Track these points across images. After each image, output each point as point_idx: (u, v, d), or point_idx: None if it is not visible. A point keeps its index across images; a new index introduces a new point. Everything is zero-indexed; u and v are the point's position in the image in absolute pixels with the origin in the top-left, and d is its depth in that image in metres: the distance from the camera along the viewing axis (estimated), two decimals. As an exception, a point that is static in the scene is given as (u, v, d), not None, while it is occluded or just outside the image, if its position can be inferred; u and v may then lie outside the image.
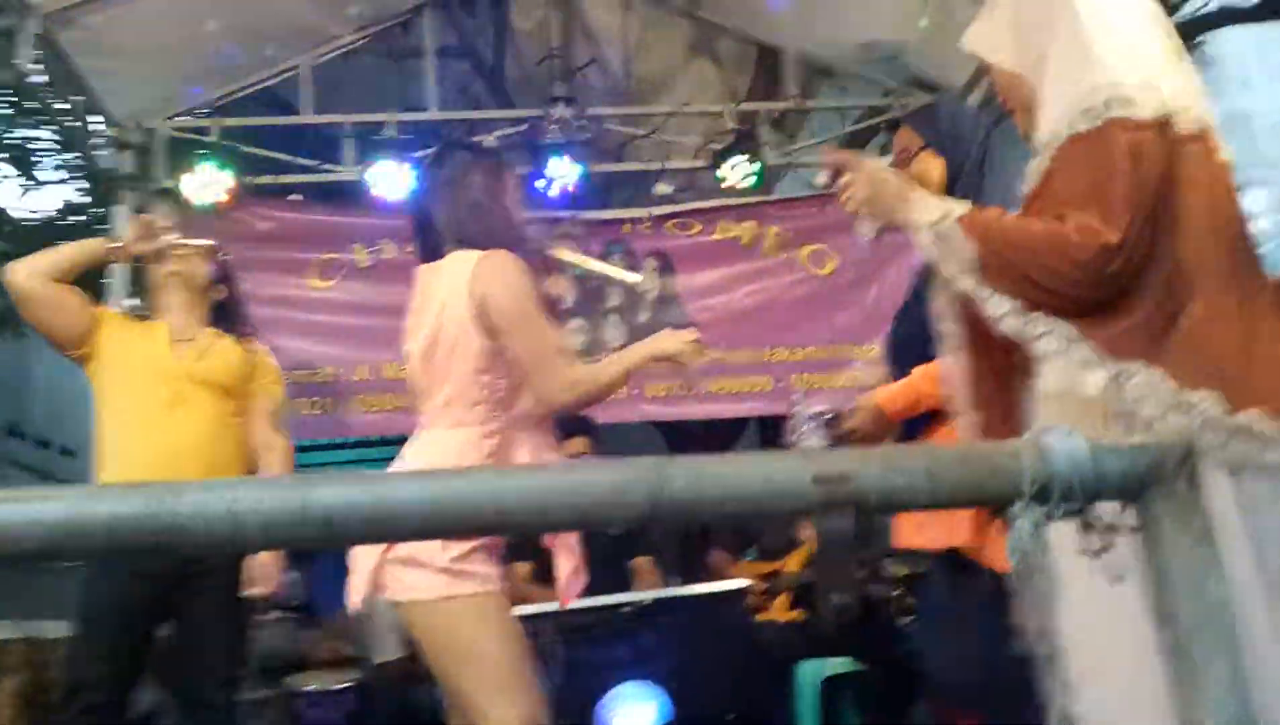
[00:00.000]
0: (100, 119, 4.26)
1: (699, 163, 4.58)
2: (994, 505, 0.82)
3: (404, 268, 2.00)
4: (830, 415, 2.11)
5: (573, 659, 2.86)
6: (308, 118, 4.56)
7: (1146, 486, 0.82)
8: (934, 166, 2.02)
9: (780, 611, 4.01)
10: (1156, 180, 1.29)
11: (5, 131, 7.08)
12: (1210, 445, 1.21)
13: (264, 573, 2.51)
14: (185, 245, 2.66)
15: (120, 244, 2.63)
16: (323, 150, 4.56)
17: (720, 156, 4.40)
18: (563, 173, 4.30)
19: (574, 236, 4.36)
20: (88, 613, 2.41)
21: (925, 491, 0.80)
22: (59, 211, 7.46)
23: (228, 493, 0.61)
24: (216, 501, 0.60)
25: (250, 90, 4.56)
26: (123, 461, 2.50)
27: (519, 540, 2.93)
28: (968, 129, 2.07)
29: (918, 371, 1.95)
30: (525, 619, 2.21)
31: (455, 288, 1.83)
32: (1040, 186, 1.39)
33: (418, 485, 0.67)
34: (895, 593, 3.38)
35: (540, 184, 4.29)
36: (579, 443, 3.41)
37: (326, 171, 4.52)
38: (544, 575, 3.21)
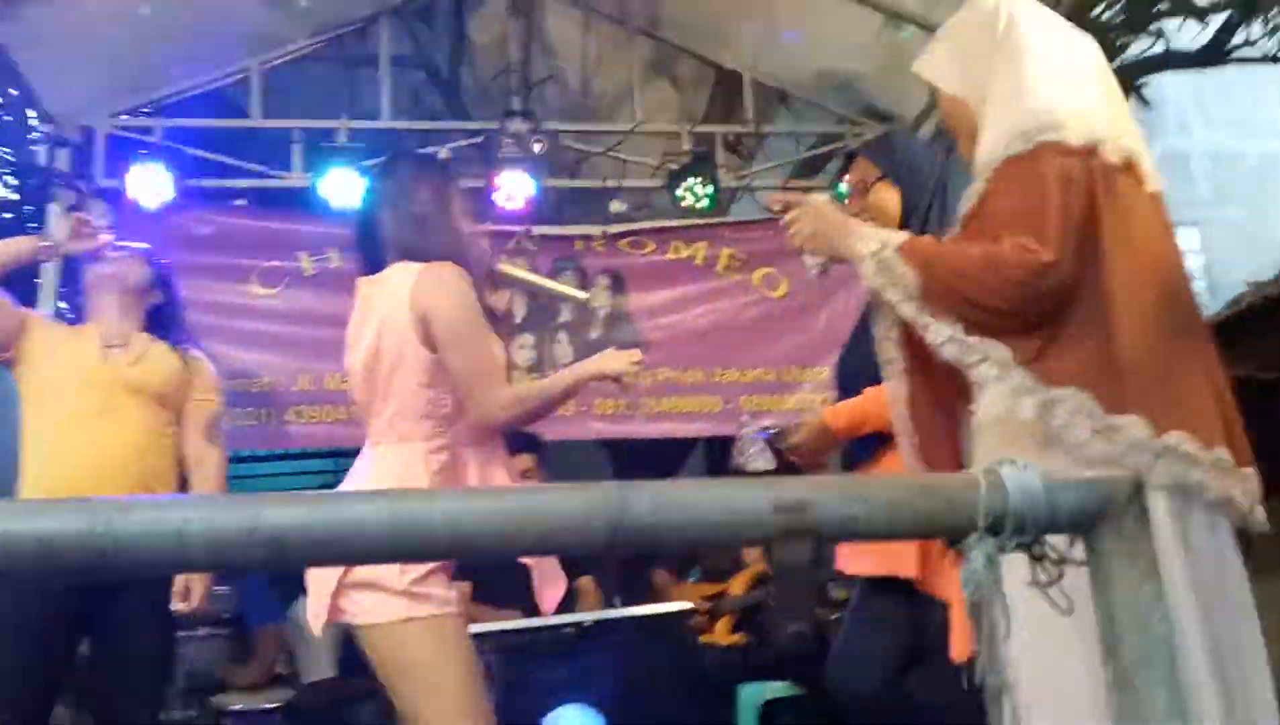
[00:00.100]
0: (35, 115, 4.14)
1: (654, 182, 4.58)
2: (949, 537, 0.83)
3: (350, 277, 1.97)
4: (775, 430, 2.15)
5: (514, 679, 2.82)
6: (256, 121, 4.46)
7: (1096, 521, 0.83)
8: (891, 197, 2.05)
9: (723, 634, 4.01)
10: (1084, 206, 1.35)
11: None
12: (1138, 467, 1.24)
13: (193, 586, 2.35)
14: (121, 246, 2.57)
15: (52, 243, 2.53)
16: (271, 156, 4.46)
17: (676, 177, 4.41)
18: (517, 187, 4.28)
19: (526, 252, 4.33)
20: None
21: (883, 521, 0.80)
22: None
23: (178, 512, 0.58)
24: (167, 521, 0.57)
25: (198, 91, 4.46)
26: (45, 474, 2.36)
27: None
28: (924, 160, 2.11)
29: (868, 391, 1.97)
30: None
31: (397, 300, 1.80)
32: (977, 207, 1.45)
33: (372, 507, 0.65)
34: (835, 617, 3.41)
35: (496, 197, 4.26)
36: (525, 459, 3.38)
37: (274, 177, 4.44)
38: (484, 595, 3.17)
